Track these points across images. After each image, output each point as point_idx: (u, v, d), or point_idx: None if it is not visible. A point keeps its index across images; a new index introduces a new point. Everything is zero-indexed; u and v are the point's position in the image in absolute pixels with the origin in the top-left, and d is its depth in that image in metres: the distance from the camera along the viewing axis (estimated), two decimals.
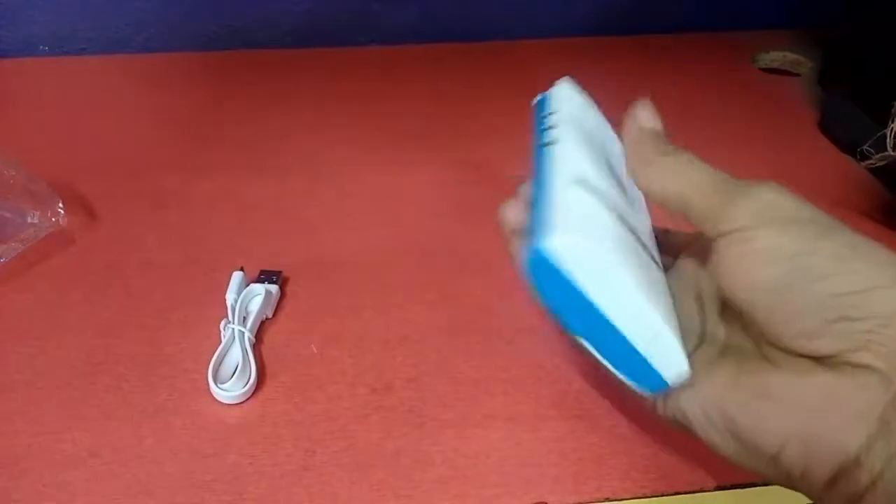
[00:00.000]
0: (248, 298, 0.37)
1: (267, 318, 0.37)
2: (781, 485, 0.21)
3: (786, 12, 0.69)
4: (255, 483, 0.30)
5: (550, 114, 0.28)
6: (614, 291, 0.21)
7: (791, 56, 0.64)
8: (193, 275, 0.40)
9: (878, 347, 0.19)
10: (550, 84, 0.30)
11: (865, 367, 0.19)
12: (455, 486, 0.30)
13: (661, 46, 0.67)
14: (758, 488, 0.30)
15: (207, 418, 0.32)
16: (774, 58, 0.64)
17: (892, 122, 0.41)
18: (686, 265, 0.27)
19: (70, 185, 0.45)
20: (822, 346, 0.20)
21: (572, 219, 0.22)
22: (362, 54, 0.64)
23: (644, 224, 0.27)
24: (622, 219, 0.24)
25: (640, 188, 0.24)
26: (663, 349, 0.22)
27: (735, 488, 0.30)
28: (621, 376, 0.23)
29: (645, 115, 0.25)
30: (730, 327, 0.24)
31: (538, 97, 0.30)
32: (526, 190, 0.27)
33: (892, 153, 0.41)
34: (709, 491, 0.30)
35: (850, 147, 0.50)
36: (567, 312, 0.22)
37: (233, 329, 0.35)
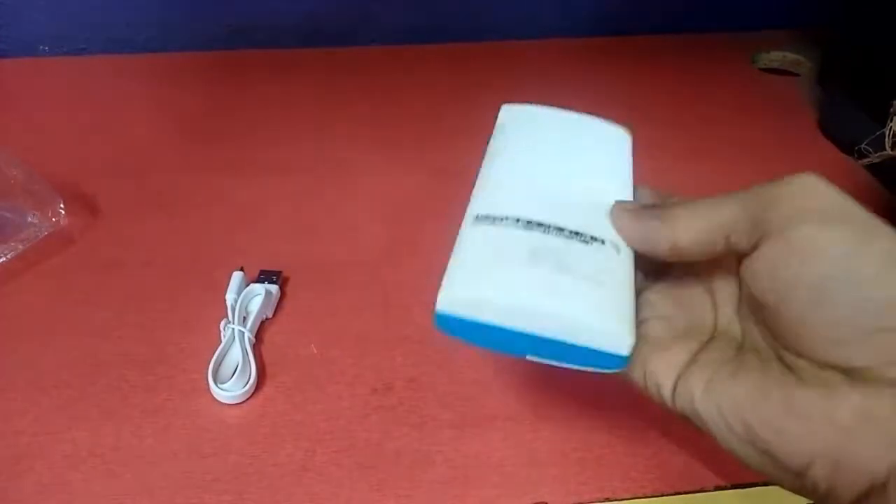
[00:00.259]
0: (248, 298, 0.37)
1: (267, 318, 0.37)
2: (804, 496, 0.21)
3: (786, 12, 0.69)
4: (255, 483, 0.30)
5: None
6: (528, 312, 0.22)
7: (791, 56, 0.64)
8: (193, 275, 0.40)
9: None
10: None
11: None
12: (455, 487, 0.30)
13: (661, 46, 0.67)
14: (758, 488, 0.30)
15: (207, 418, 0.32)
16: (774, 58, 0.64)
17: (891, 121, 0.41)
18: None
19: (70, 185, 0.45)
20: (855, 357, 0.19)
21: (467, 264, 0.23)
22: (362, 54, 0.64)
23: (589, 206, 0.26)
24: (533, 225, 0.24)
25: (666, 253, 0.23)
26: (602, 331, 0.22)
27: (735, 488, 0.30)
28: (579, 368, 0.23)
29: (629, 203, 0.24)
30: (746, 325, 0.24)
31: None
32: None
33: (890, 152, 0.41)
34: (709, 491, 0.30)
35: (849, 147, 0.50)
36: (492, 343, 0.23)
37: (233, 329, 0.35)
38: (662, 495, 0.30)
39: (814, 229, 0.19)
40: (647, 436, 0.32)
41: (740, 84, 0.62)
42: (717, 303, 0.25)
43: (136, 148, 0.51)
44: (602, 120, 0.29)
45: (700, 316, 0.25)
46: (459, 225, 0.25)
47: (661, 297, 0.26)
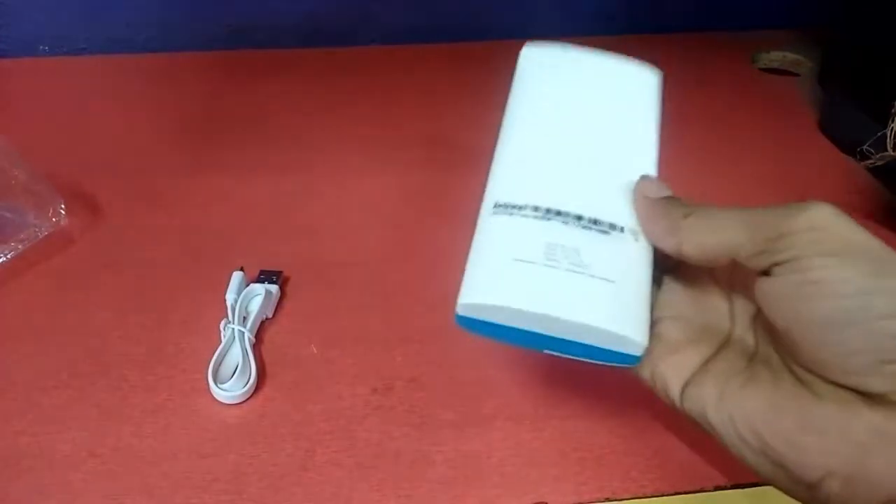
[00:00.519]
0: (248, 298, 0.37)
1: (267, 318, 0.37)
2: None
3: (786, 12, 0.69)
4: (255, 483, 0.30)
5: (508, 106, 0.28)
6: (543, 317, 0.22)
7: (791, 56, 0.64)
8: (193, 275, 0.40)
9: None
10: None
11: None
12: (455, 486, 0.30)
13: (661, 46, 0.67)
14: (758, 488, 0.30)
15: (207, 418, 0.32)
16: (774, 58, 0.64)
17: (892, 121, 0.41)
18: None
19: (70, 185, 0.45)
20: (872, 385, 0.19)
21: (486, 264, 0.24)
22: (362, 54, 0.64)
23: (611, 174, 0.26)
24: (552, 214, 0.24)
25: (674, 255, 0.23)
26: (615, 334, 0.22)
27: (735, 488, 0.30)
28: (593, 362, 0.24)
29: (651, 188, 0.24)
30: (760, 337, 0.24)
31: None
32: None
33: (892, 153, 0.41)
34: (709, 491, 0.30)
35: (849, 147, 0.50)
36: (510, 339, 0.23)
37: (233, 329, 0.35)
38: (663, 495, 0.30)
39: (829, 262, 0.19)
40: (647, 436, 0.32)
41: (740, 84, 0.62)
42: (735, 312, 0.25)
43: (136, 148, 0.51)
44: (629, 61, 0.28)
45: (716, 321, 0.25)
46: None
47: (679, 297, 0.25)
